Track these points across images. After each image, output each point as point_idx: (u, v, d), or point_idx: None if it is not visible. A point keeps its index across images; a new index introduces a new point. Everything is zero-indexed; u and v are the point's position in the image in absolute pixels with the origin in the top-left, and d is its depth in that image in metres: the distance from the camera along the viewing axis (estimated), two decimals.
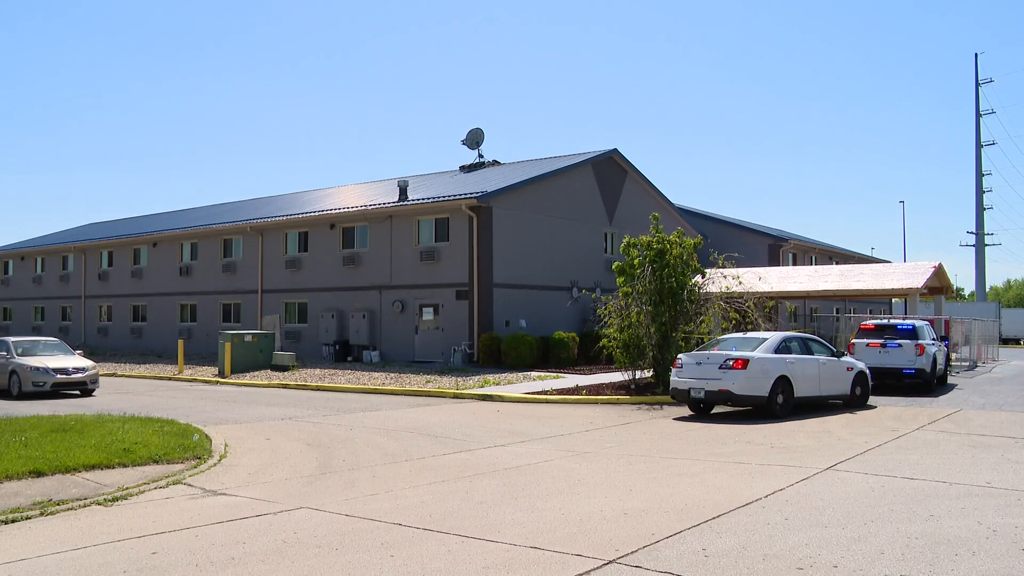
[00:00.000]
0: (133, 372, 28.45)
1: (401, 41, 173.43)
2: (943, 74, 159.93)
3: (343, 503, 8.05)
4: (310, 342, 32.45)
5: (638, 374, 19.69)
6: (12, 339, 21.79)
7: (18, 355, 20.73)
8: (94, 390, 20.98)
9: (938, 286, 29.68)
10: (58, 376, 20.09)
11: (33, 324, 46.86)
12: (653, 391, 18.70)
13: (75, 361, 21.03)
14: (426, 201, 29.37)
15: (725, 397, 15.00)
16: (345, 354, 30.64)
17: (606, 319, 20.20)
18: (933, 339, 20.81)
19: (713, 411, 15.82)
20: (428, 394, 20.01)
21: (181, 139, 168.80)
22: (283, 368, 26.72)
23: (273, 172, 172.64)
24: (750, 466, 9.86)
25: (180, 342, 29.63)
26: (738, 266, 23.31)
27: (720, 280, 20.38)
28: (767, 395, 14.74)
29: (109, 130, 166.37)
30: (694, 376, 15.30)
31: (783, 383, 15.00)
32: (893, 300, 48.22)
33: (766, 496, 8.03)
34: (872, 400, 17.37)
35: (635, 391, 18.92)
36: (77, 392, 20.67)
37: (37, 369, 20.05)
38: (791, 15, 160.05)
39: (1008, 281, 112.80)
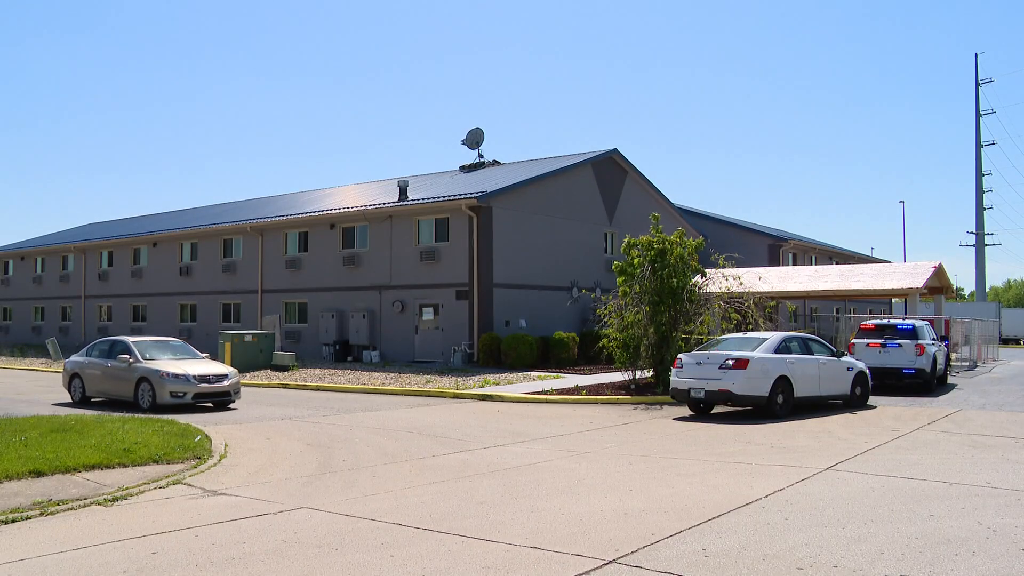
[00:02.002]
0: None
1: (401, 41, 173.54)
2: (943, 74, 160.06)
3: (343, 503, 8.05)
4: (310, 342, 32.46)
5: (638, 374, 19.69)
6: (132, 339, 18.28)
7: (144, 359, 17.19)
8: (234, 402, 17.43)
9: (938, 286, 29.68)
10: (201, 385, 16.52)
11: (33, 324, 46.87)
12: (653, 391, 18.70)
13: (214, 367, 17.49)
14: (426, 201, 29.38)
15: (725, 397, 15.00)
16: (345, 354, 30.65)
17: (606, 319, 20.21)
18: (933, 339, 20.81)
19: (713, 411, 15.82)
20: (428, 394, 20.00)
21: (181, 139, 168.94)
22: (283, 368, 26.72)
23: (273, 172, 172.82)
24: (750, 466, 9.86)
25: None
26: (738, 266, 23.30)
27: (720, 280, 20.36)
28: (767, 395, 14.74)
29: (109, 131, 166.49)
30: (694, 376, 15.30)
31: (783, 383, 15.00)
32: (893, 300, 48.23)
33: (766, 496, 8.03)
34: (872, 400, 17.36)
35: (635, 391, 18.92)
36: (210, 404, 16.92)
37: (176, 376, 16.42)
38: (791, 14, 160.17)
39: (1008, 281, 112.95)
